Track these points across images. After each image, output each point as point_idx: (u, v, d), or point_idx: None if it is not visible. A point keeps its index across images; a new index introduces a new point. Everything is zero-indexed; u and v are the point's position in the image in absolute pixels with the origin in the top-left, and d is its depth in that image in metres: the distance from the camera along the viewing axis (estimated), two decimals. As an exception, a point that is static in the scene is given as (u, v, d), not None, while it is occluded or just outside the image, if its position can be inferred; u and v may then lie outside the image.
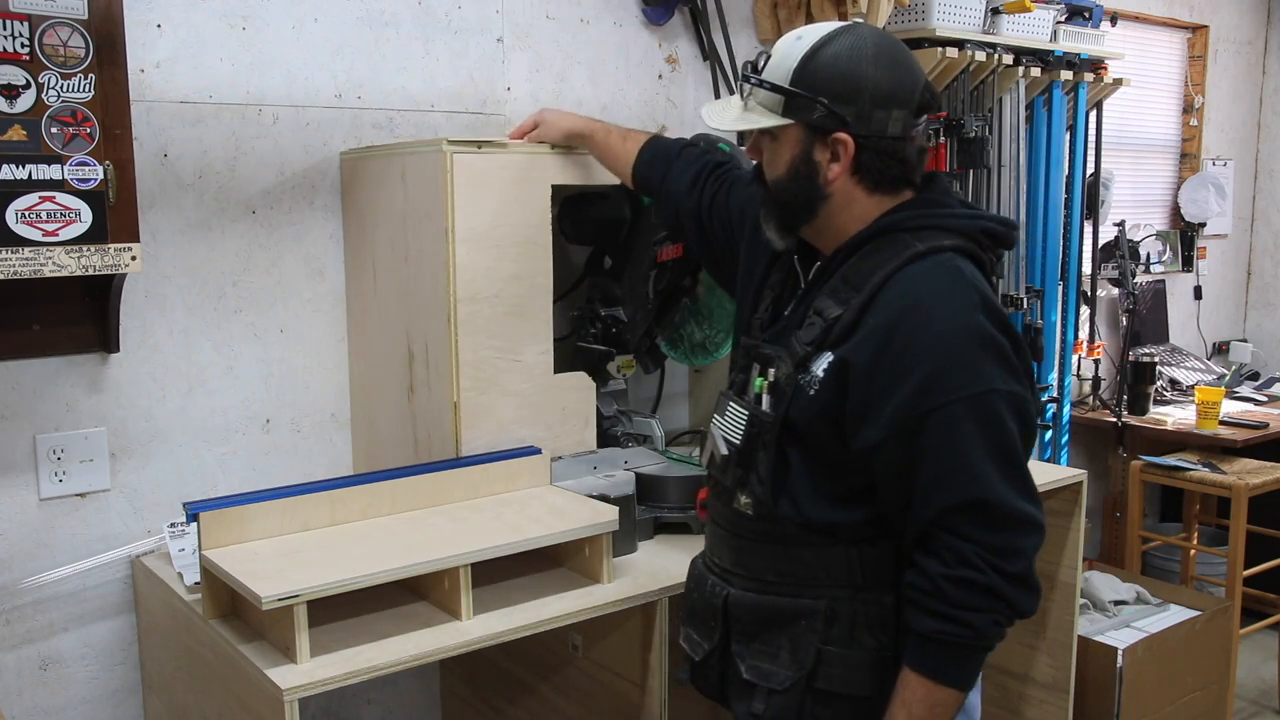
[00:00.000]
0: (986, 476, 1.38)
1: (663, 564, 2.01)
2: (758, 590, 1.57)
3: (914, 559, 1.45)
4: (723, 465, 1.60)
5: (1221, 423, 3.81)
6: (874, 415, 1.41)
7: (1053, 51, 3.47)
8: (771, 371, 1.52)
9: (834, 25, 1.51)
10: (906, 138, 1.49)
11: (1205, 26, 4.61)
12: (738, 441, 1.56)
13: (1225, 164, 4.79)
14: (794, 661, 1.52)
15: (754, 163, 1.61)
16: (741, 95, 1.56)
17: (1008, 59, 3.32)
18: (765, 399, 1.53)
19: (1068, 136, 3.72)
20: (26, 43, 1.71)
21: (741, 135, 2.24)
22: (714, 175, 1.89)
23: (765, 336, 1.59)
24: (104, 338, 2.04)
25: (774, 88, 1.48)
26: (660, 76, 2.82)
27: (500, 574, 1.89)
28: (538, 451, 2.11)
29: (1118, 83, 3.77)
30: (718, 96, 2.90)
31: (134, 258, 1.83)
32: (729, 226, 1.83)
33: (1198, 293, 4.75)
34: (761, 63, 1.53)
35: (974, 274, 1.46)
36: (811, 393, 1.47)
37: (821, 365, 1.46)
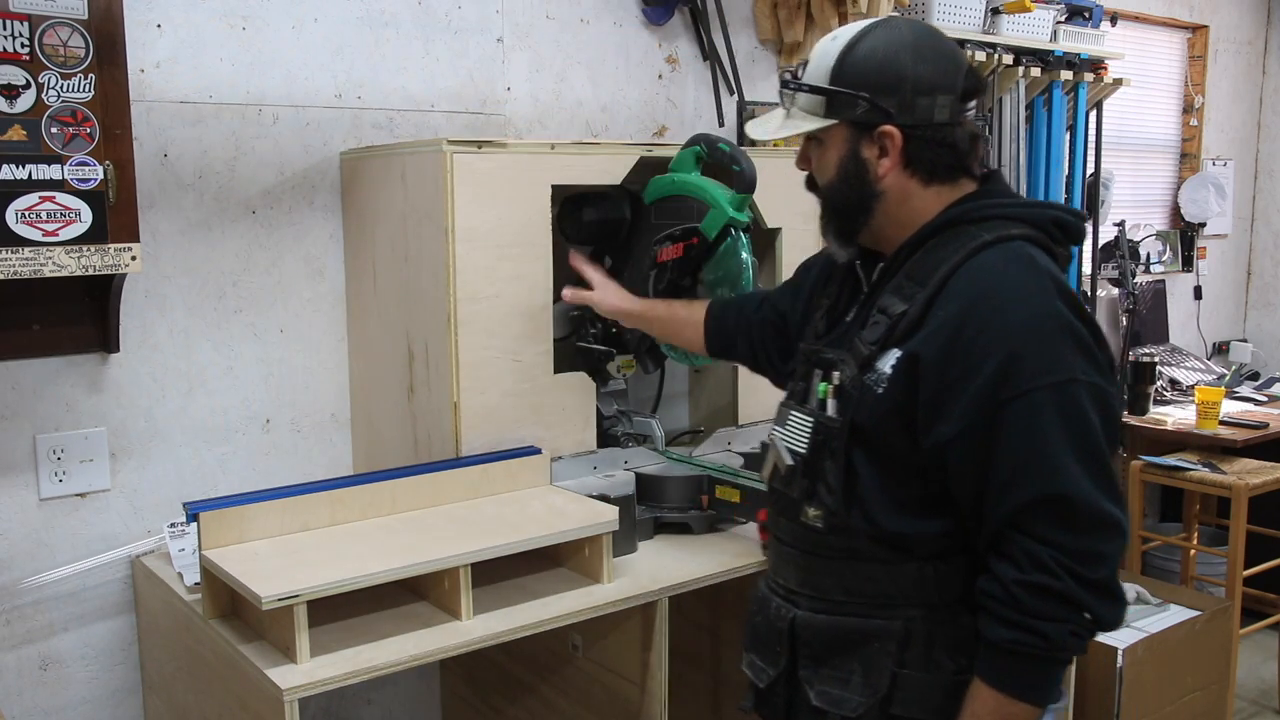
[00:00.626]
0: (1066, 470, 1.30)
1: (663, 564, 2.01)
2: (827, 611, 1.49)
3: (987, 563, 1.36)
4: (788, 477, 1.52)
5: (1221, 423, 3.81)
6: (947, 410, 1.34)
7: (1053, 51, 3.47)
8: (836, 375, 1.46)
9: (869, 21, 1.48)
10: (955, 123, 1.44)
11: (1205, 26, 4.61)
12: (803, 451, 1.49)
13: (1225, 164, 4.79)
14: (866, 686, 1.44)
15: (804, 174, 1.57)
16: (783, 104, 1.52)
17: (1008, 59, 3.33)
18: (830, 404, 1.46)
19: (1068, 136, 3.72)
20: (26, 43, 1.71)
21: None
22: (767, 299, 1.85)
23: (825, 341, 1.55)
24: (104, 338, 2.04)
25: (813, 89, 1.45)
26: (660, 76, 2.82)
27: (500, 574, 1.89)
28: (538, 451, 2.11)
29: (1118, 83, 3.78)
30: (718, 97, 2.90)
31: (134, 258, 1.83)
32: (792, 306, 1.76)
33: (1198, 293, 4.75)
34: (800, 70, 1.51)
35: (1047, 262, 1.39)
36: (879, 391, 1.40)
37: (889, 362, 1.40)
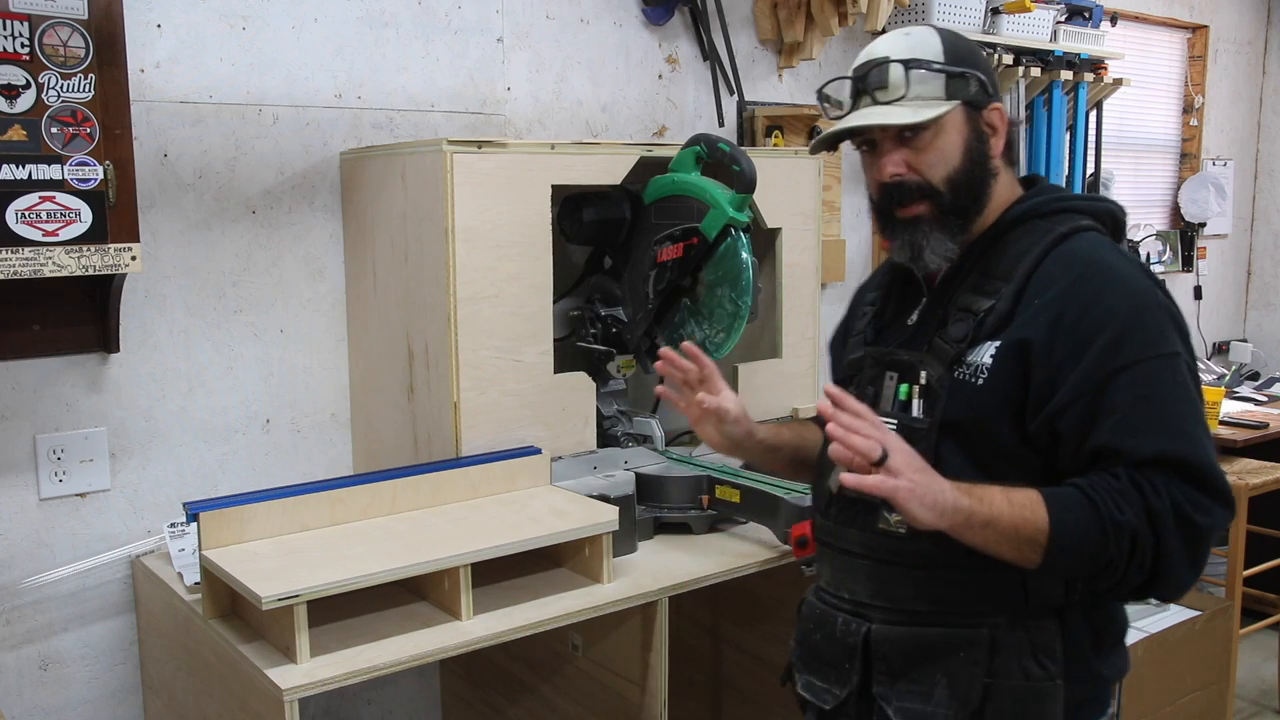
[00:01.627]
0: (1186, 434, 1.30)
1: (663, 564, 2.01)
2: (906, 622, 1.43)
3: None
4: None
5: (1221, 423, 3.80)
6: (1059, 386, 1.34)
7: (1053, 51, 3.48)
8: (924, 375, 1.43)
9: (913, 26, 1.48)
10: None
11: (1205, 26, 4.61)
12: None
13: (1225, 164, 4.79)
14: (953, 699, 1.39)
15: (886, 182, 1.46)
16: (866, 97, 1.44)
17: (1008, 59, 3.33)
18: (917, 404, 1.43)
19: (1068, 136, 3.72)
20: (26, 43, 1.71)
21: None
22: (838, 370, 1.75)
23: (893, 345, 1.51)
24: (104, 338, 2.04)
25: (942, 69, 1.41)
26: (660, 76, 2.82)
27: (500, 574, 1.89)
28: (538, 451, 2.11)
29: (1118, 83, 3.78)
30: (718, 97, 2.89)
31: (134, 258, 1.83)
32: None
33: (1198, 293, 4.75)
34: (884, 66, 1.43)
35: (1123, 249, 1.40)
36: (980, 382, 1.38)
37: (986, 354, 1.38)
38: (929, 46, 1.43)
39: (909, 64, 1.41)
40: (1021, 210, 1.45)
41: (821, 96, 1.57)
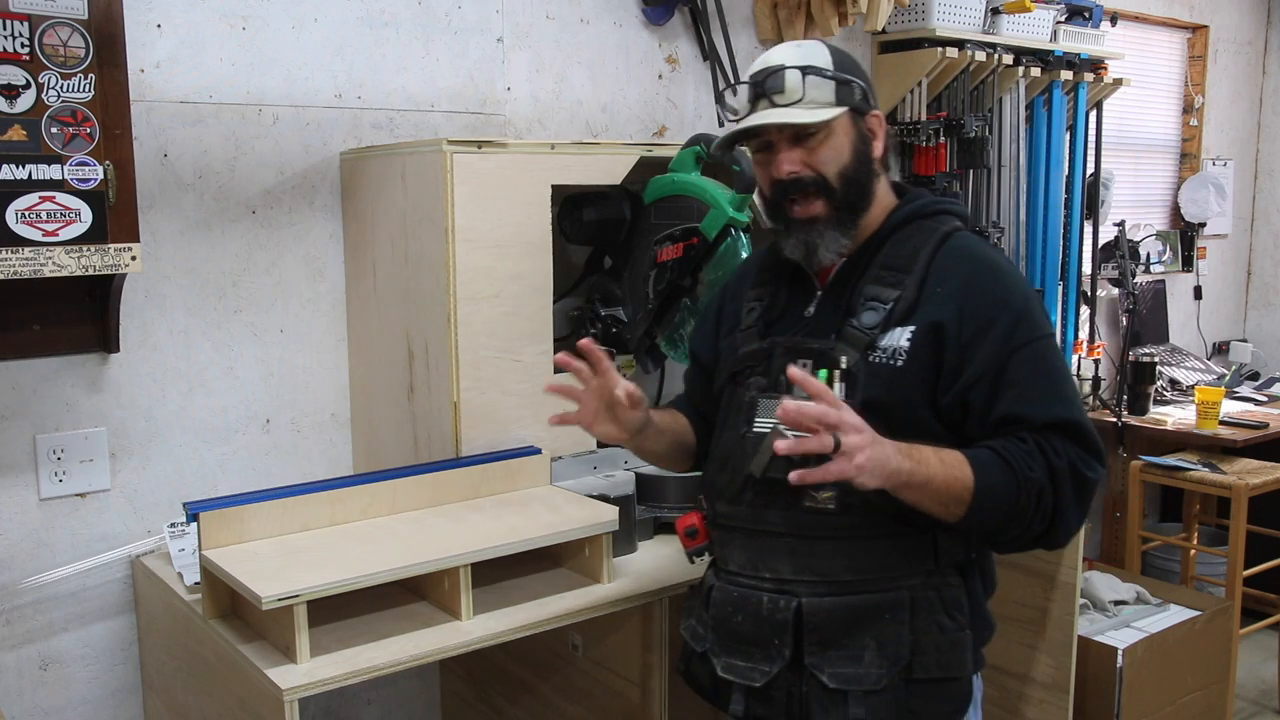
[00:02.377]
0: (1075, 402, 1.50)
1: (663, 564, 2.01)
2: (835, 593, 1.52)
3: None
4: (784, 467, 1.48)
5: (1221, 423, 3.81)
6: (967, 362, 1.50)
7: (1053, 51, 3.47)
8: (844, 360, 1.52)
9: (807, 39, 1.64)
10: None
11: (1205, 26, 4.61)
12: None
13: (1225, 164, 4.79)
14: (883, 658, 1.50)
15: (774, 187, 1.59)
16: (766, 100, 1.55)
17: (1008, 59, 3.32)
18: (838, 387, 1.51)
19: (1068, 136, 3.72)
20: (26, 43, 1.71)
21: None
22: (693, 365, 1.86)
23: (795, 334, 1.60)
24: (104, 338, 2.04)
25: (833, 76, 1.55)
26: (660, 76, 2.82)
27: (500, 574, 1.89)
28: (538, 451, 2.11)
29: (1118, 83, 3.78)
30: (718, 97, 2.89)
31: (134, 258, 1.83)
32: (713, 345, 1.78)
33: (1198, 293, 4.75)
34: (782, 72, 1.55)
35: (993, 244, 1.58)
36: (900, 364, 1.51)
37: (902, 338, 1.52)
38: (820, 56, 1.57)
39: (805, 70, 1.54)
40: (907, 212, 1.62)
41: (720, 101, 1.67)
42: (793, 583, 1.54)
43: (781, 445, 1.37)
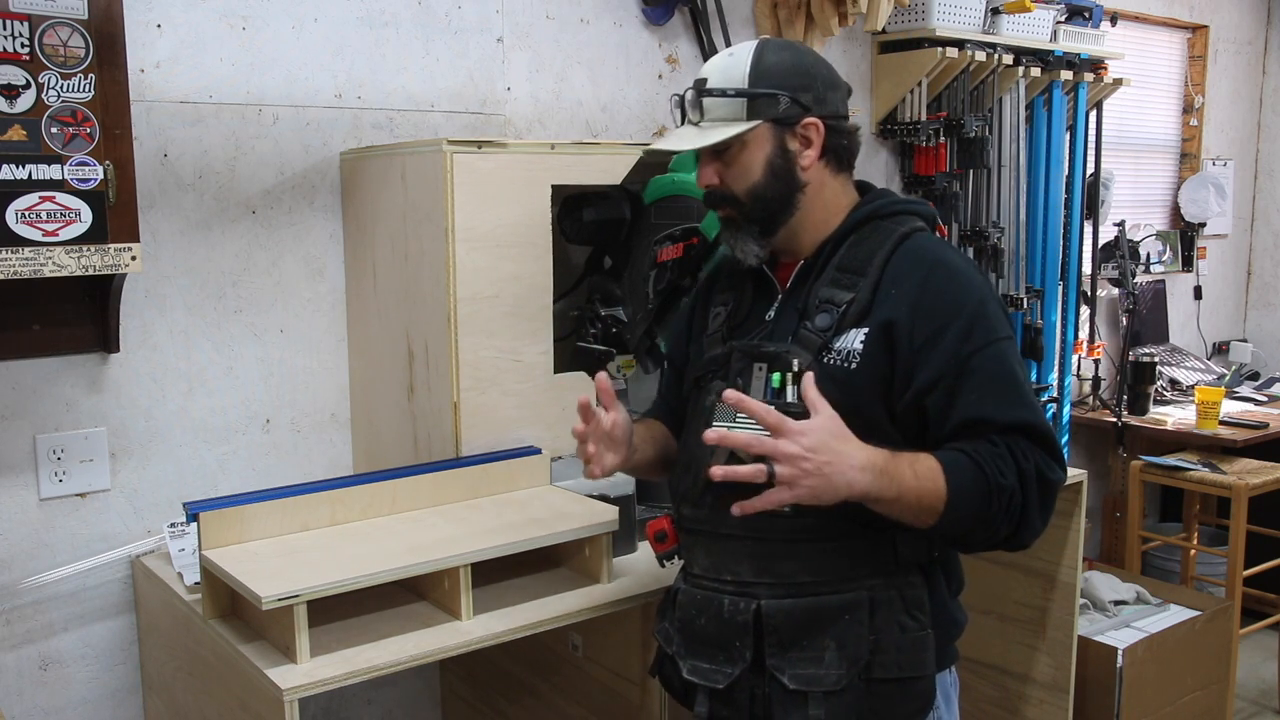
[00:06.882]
0: (1035, 405, 1.49)
1: (663, 564, 2.01)
2: (794, 594, 1.53)
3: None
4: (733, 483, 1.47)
5: (1221, 423, 3.81)
6: (922, 364, 1.48)
7: (1053, 51, 3.48)
8: (797, 363, 1.53)
9: (756, 40, 1.61)
10: (849, 115, 1.63)
11: (1205, 26, 4.61)
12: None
13: (1225, 164, 4.79)
14: (842, 659, 1.50)
15: (704, 191, 1.62)
16: (688, 118, 1.58)
17: (1008, 59, 3.32)
18: (791, 390, 1.52)
19: (1068, 136, 3.72)
20: (26, 43, 1.71)
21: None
22: (667, 368, 1.88)
23: (754, 339, 1.60)
24: (104, 338, 2.04)
25: (738, 93, 1.54)
26: (660, 76, 2.82)
27: (500, 574, 1.89)
28: (538, 451, 2.11)
29: (1118, 83, 3.78)
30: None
31: (134, 258, 1.83)
32: (684, 349, 1.79)
33: (1198, 293, 4.75)
34: (700, 86, 1.58)
35: (953, 245, 1.54)
36: (853, 366, 1.50)
37: (856, 340, 1.51)
38: (738, 68, 1.56)
39: (707, 92, 1.56)
40: (865, 212, 1.60)
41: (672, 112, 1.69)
42: (753, 585, 1.55)
43: (717, 471, 1.39)
